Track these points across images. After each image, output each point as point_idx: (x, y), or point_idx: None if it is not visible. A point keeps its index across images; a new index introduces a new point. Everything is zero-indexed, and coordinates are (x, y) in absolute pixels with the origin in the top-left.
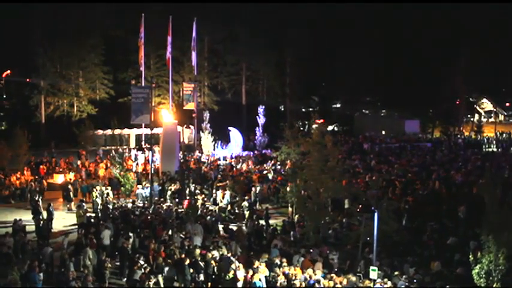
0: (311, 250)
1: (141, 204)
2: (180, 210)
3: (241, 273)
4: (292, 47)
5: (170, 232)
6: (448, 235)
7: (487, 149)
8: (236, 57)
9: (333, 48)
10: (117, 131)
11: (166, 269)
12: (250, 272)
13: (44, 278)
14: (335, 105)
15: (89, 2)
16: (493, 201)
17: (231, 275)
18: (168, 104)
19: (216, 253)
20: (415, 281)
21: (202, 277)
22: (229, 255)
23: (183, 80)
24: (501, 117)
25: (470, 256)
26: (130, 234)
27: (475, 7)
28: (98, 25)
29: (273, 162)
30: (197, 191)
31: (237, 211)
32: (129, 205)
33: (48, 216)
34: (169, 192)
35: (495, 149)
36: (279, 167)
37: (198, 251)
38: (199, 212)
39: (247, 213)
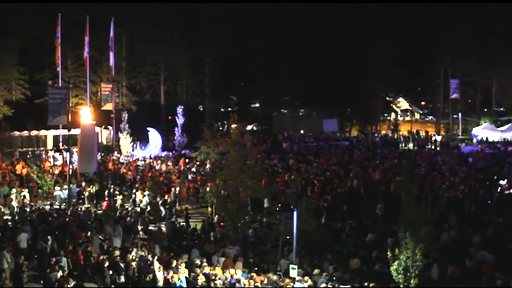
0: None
1: (59, 206)
2: (98, 212)
3: (161, 274)
4: (210, 46)
5: (89, 234)
6: (366, 232)
7: (403, 147)
8: (154, 57)
9: (251, 48)
10: (34, 132)
11: None
12: (171, 273)
13: None
14: (254, 105)
15: (4, 2)
16: (410, 198)
17: (151, 276)
18: (86, 105)
19: (135, 254)
20: (334, 278)
21: (122, 279)
22: (149, 256)
23: (101, 80)
24: (417, 116)
25: (388, 253)
26: (48, 236)
27: (391, 7)
28: (13, 25)
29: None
30: (116, 192)
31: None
32: (47, 207)
33: None
34: (87, 194)
35: (411, 147)
36: (193, 169)
37: (117, 253)
38: (118, 213)
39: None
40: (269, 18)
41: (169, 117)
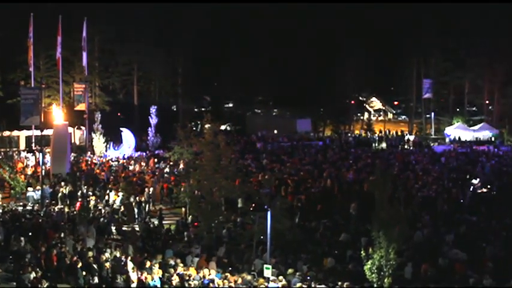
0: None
1: (32, 207)
2: (72, 213)
3: (135, 275)
4: (183, 46)
5: (62, 235)
6: (340, 232)
7: (376, 147)
8: (128, 57)
9: (225, 47)
10: (6, 133)
11: None
12: (144, 274)
13: None
14: (227, 105)
15: None
16: (383, 197)
17: (125, 276)
18: (59, 105)
19: (109, 255)
20: (308, 278)
21: (96, 280)
22: (122, 257)
23: (73, 80)
24: (390, 116)
25: (362, 252)
26: (21, 238)
27: (364, 7)
28: None
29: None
30: (89, 193)
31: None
32: (20, 208)
33: None
34: (60, 195)
35: (384, 147)
36: (167, 169)
37: (90, 253)
38: (91, 214)
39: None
40: (243, 18)
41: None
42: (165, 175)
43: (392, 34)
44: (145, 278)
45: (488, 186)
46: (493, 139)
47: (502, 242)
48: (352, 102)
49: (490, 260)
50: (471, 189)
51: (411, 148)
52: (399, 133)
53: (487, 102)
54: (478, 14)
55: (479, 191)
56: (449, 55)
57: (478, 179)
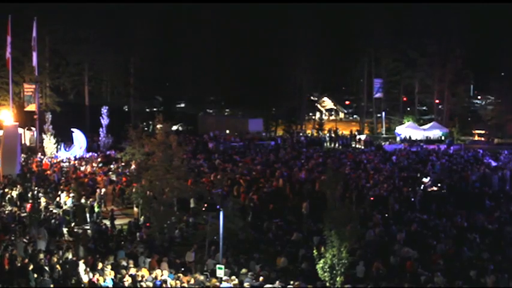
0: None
1: None
2: (22, 214)
3: (87, 277)
4: (135, 46)
5: (13, 237)
6: (292, 231)
7: (328, 146)
8: (78, 58)
9: (177, 47)
10: None
11: None
12: (96, 275)
13: None
14: (179, 105)
15: None
16: (335, 197)
17: (77, 278)
18: (9, 106)
19: (60, 257)
20: (261, 277)
21: (47, 282)
22: (74, 258)
23: (23, 80)
24: (341, 115)
25: (314, 251)
26: None
27: (314, 7)
28: None
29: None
30: (40, 194)
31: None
32: None
33: None
34: (10, 196)
35: (336, 146)
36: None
37: (42, 256)
38: (42, 215)
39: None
40: (194, 17)
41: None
42: (117, 176)
43: (344, 34)
44: (97, 279)
45: (439, 185)
46: (443, 138)
47: (452, 240)
48: (304, 101)
49: (441, 258)
50: (422, 187)
51: (362, 147)
52: (350, 132)
53: (437, 101)
54: (428, 14)
55: (430, 190)
56: (400, 55)
57: (428, 178)
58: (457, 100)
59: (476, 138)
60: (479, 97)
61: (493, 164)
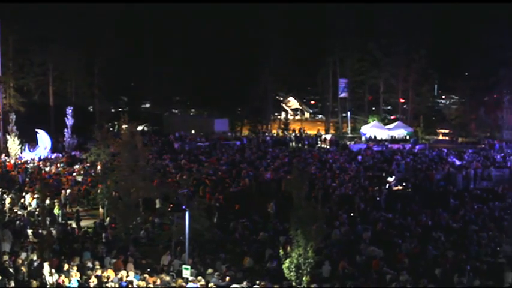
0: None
1: None
2: None
3: (52, 278)
4: (100, 47)
5: None
6: (258, 231)
7: (294, 146)
8: (43, 58)
9: (142, 48)
10: None
11: None
12: (62, 277)
13: None
14: (144, 105)
15: None
16: (301, 196)
17: (41, 280)
18: None
19: (25, 258)
20: (227, 277)
21: (12, 283)
22: (39, 260)
23: None
24: (307, 115)
25: (281, 251)
26: None
27: (279, 7)
28: None
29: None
30: (4, 196)
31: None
32: None
33: None
34: None
35: (302, 146)
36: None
37: (6, 257)
38: (7, 216)
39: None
40: (160, 17)
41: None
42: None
43: (309, 34)
44: (63, 281)
45: (404, 184)
46: (407, 137)
47: (417, 239)
48: (270, 101)
49: (406, 257)
50: (387, 187)
51: (328, 147)
52: (318, 131)
53: (402, 101)
54: (392, 14)
55: (395, 189)
56: (365, 55)
57: (393, 177)
58: (422, 100)
59: (441, 137)
60: (443, 97)
61: (457, 163)
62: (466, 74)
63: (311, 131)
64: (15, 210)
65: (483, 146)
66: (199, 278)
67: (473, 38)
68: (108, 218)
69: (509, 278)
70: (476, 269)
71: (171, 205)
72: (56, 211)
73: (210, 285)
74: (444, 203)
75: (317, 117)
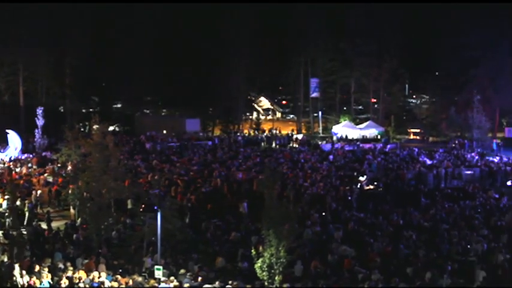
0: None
1: None
2: None
3: (23, 279)
4: (70, 46)
5: None
6: (230, 231)
7: (265, 146)
8: (13, 58)
9: (113, 47)
10: None
11: None
12: (33, 278)
13: None
14: (116, 105)
15: None
16: (273, 196)
17: (12, 281)
18: None
19: None
20: (200, 278)
21: None
22: (10, 261)
23: None
24: (278, 115)
25: (253, 250)
26: None
27: (253, 7)
28: None
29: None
30: None
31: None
32: None
33: None
34: None
35: (273, 146)
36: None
37: None
38: None
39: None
40: (131, 17)
41: None
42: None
43: (281, 34)
44: (34, 282)
45: (375, 183)
46: (379, 137)
47: (388, 238)
48: (241, 101)
49: (378, 256)
50: (358, 186)
51: (299, 147)
52: (292, 131)
53: (373, 100)
54: (363, 14)
55: (367, 188)
56: (336, 55)
57: (365, 177)
58: (393, 99)
59: (412, 136)
60: (414, 96)
61: (428, 162)
62: (437, 73)
63: (285, 131)
64: None
65: (454, 145)
66: (172, 278)
67: (443, 37)
68: (79, 219)
69: (480, 276)
70: (447, 267)
71: (143, 205)
72: (27, 212)
73: (184, 285)
74: (415, 202)
75: (288, 117)
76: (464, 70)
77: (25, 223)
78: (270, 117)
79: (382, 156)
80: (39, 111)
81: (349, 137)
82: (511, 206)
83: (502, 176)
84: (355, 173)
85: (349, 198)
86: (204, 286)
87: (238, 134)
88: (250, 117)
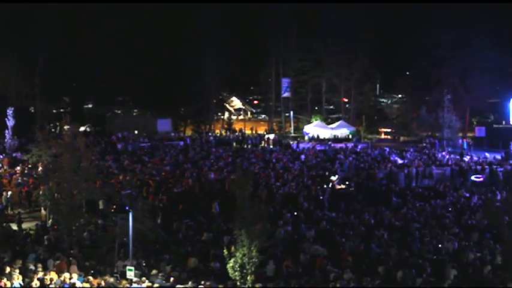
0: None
1: None
2: None
3: None
4: (40, 46)
5: None
6: (202, 231)
7: (237, 146)
8: None
9: (83, 48)
10: None
11: None
12: (4, 279)
13: None
14: (87, 106)
15: None
16: (245, 196)
17: None
18: None
19: None
20: (172, 278)
21: None
22: None
23: None
24: (250, 115)
25: (225, 251)
26: None
27: (224, 7)
28: None
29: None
30: None
31: None
32: None
33: None
34: None
35: (245, 146)
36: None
37: None
38: None
39: None
40: (102, 17)
41: None
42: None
43: (251, 34)
44: (5, 284)
45: (347, 183)
46: (350, 136)
47: (360, 237)
48: (212, 101)
49: (350, 255)
50: (330, 186)
51: (271, 147)
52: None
53: (345, 100)
54: (334, 14)
55: (338, 188)
56: (307, 55)
57: (336, 176)
58: (364, 99)
59: (383, 136)
60: (385, 96)
61: (399, 161)
62: (408, 73)
63: (260, 131)
64: None
65: (424, 144)
66: (144, 279)
67: (414, 37)
68: (50, 220)
69: (451, 275)
70: (418, 266)
71: (114, 206)
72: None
73: (156, 286)
74: (387, 202)
75: (260, 117)
76: (435, 70)
77: None
78: (241, 117)
79: (353, 156)
80: (10, 111)
81: (321, 137)
82: (482, 204)
83: (472, 175)
84: (327, 173)
85: (321, 197)
86: (177, 286)
87: (210, 134)
88: (222, 117)
